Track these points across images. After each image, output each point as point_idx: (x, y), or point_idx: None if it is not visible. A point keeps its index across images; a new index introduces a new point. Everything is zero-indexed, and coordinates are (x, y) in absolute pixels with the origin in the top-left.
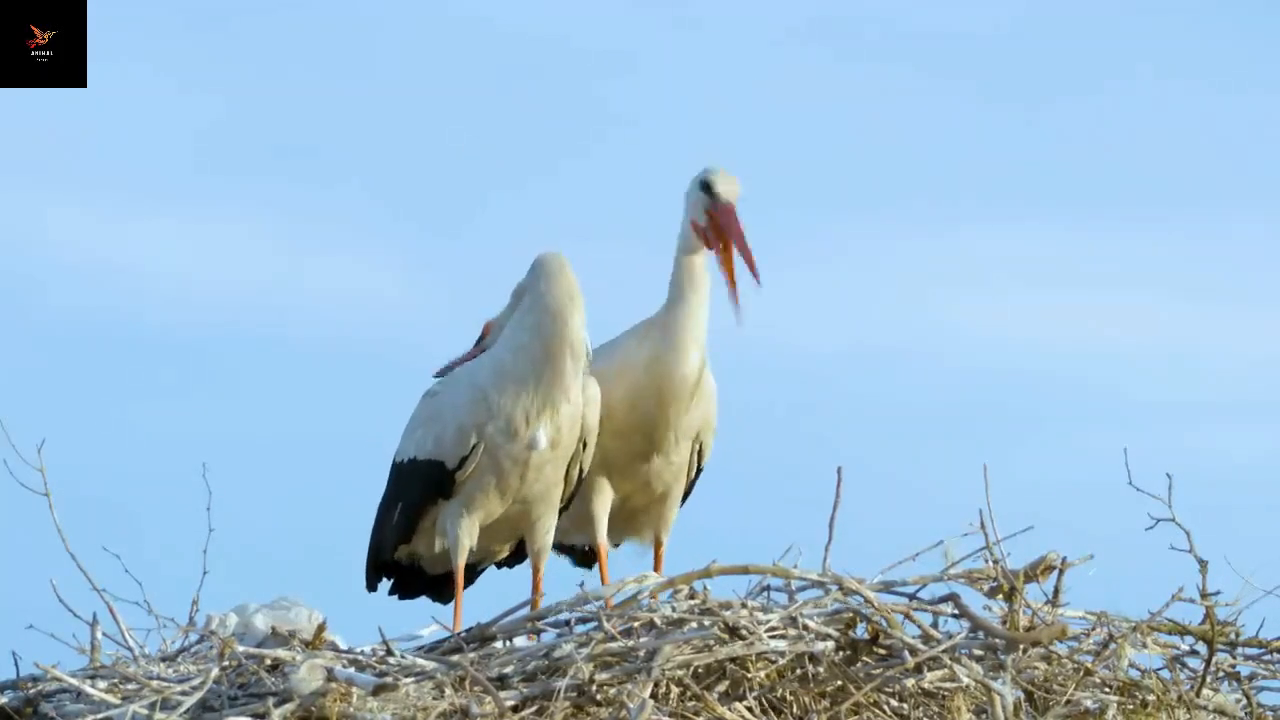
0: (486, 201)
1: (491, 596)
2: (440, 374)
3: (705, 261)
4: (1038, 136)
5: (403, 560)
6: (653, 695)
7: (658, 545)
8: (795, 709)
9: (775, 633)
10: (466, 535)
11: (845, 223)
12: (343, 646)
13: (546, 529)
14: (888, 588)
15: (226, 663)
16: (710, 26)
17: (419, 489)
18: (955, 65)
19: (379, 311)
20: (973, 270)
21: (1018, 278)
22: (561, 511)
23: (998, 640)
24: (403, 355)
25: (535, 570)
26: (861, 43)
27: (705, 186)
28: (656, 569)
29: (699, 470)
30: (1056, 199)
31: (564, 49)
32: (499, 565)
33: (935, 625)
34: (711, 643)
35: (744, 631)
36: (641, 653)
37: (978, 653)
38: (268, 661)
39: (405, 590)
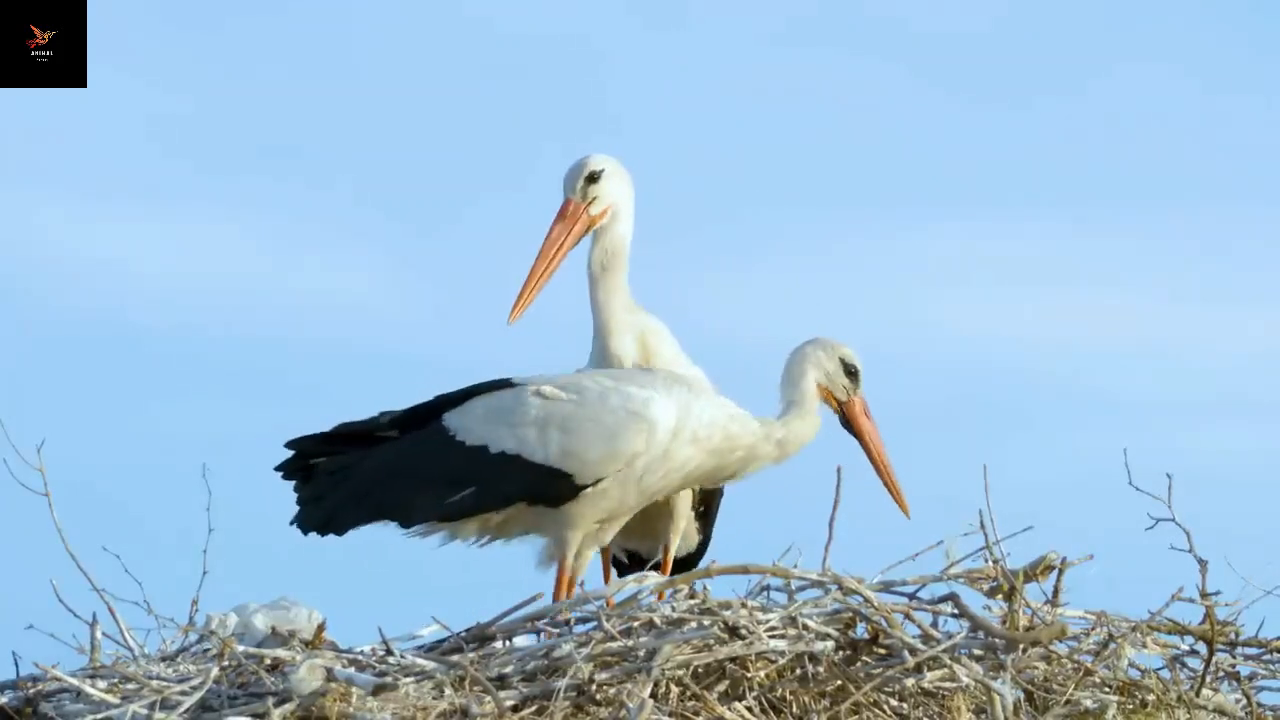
0: (477, 201)
1: (491, 596)
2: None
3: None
4: (1031, 134)
5: (421, 533)
6: (652, 695)
7: (665, 550)
8: (795, 709)
9: (775, 632)
10: (576, 542)
11: (834, 220)
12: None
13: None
14: (887, 587)
15: (226, 663)
16: (696, 26)
17: (519, 490)
18: (943, 64)
19: (367, 311)
20: (963, 268)
21: (1008, 275)
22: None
23: (997, 640)
24: (389, 355)
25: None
26: (848, 42)
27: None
28: (664, 571)
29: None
30: (1048, 197)
31: (551, 48)
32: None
33: (935, 625)
34: (711, 642)
35: (744, 631)
36: (641, 652)
37: (977, 652)
38: (267, 661)
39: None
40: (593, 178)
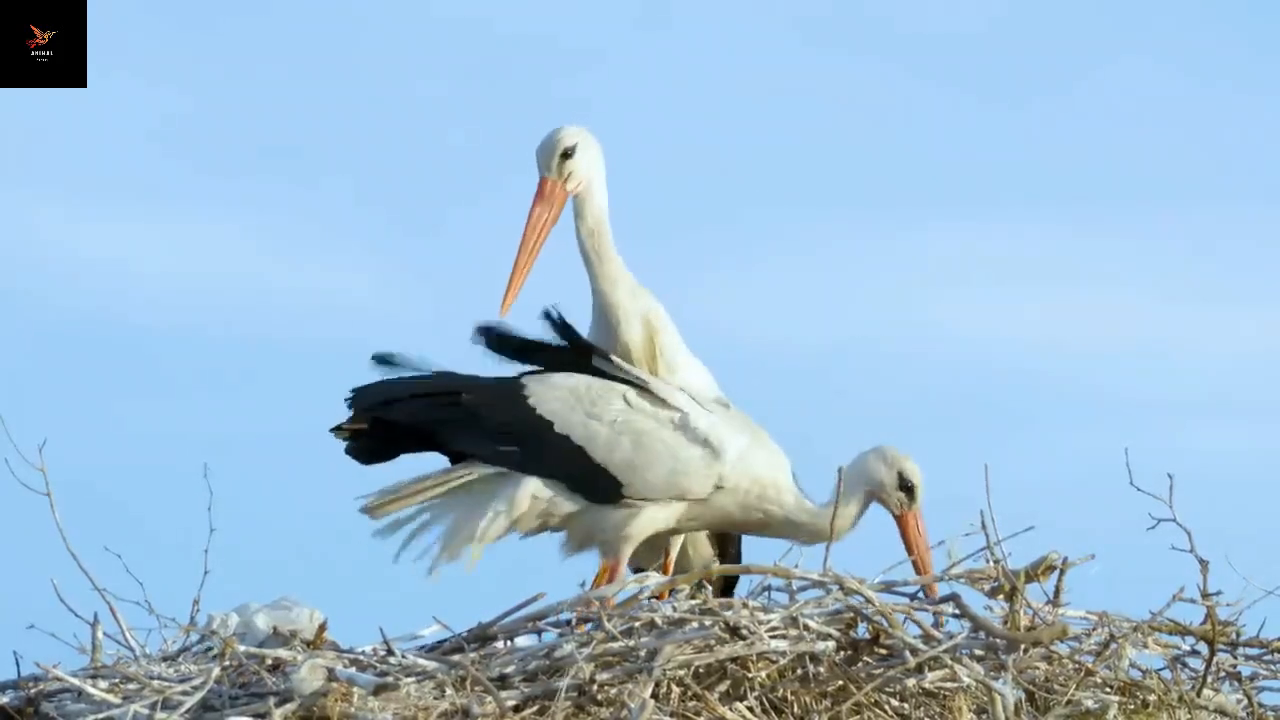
0: (475, 201)
1: (492, 596)
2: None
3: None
4: (1028, 134)
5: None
6: (653, 695)
7: (666, 553)
8: (796, 709)
9: (776, 633)
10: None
11: (833, 220)
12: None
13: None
14: (889, 588)
15: (228, 663)
16: (691, 26)
17: (566, 474)
18: (940, 64)
19: (366, 312)
20: (963, 268)
21: (1007, 275)
22: None
23: (999, 640)
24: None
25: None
26: (846, 42)
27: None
28: (665, 571)
29: None
30: (1045, 197)
31: (543, 47)
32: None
33: (936, 625)
34: (712, 643)
35: (745, 631)
36: (642, 653)
37: (979, 653)
38: (269, 661)
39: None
40: (567, 153)
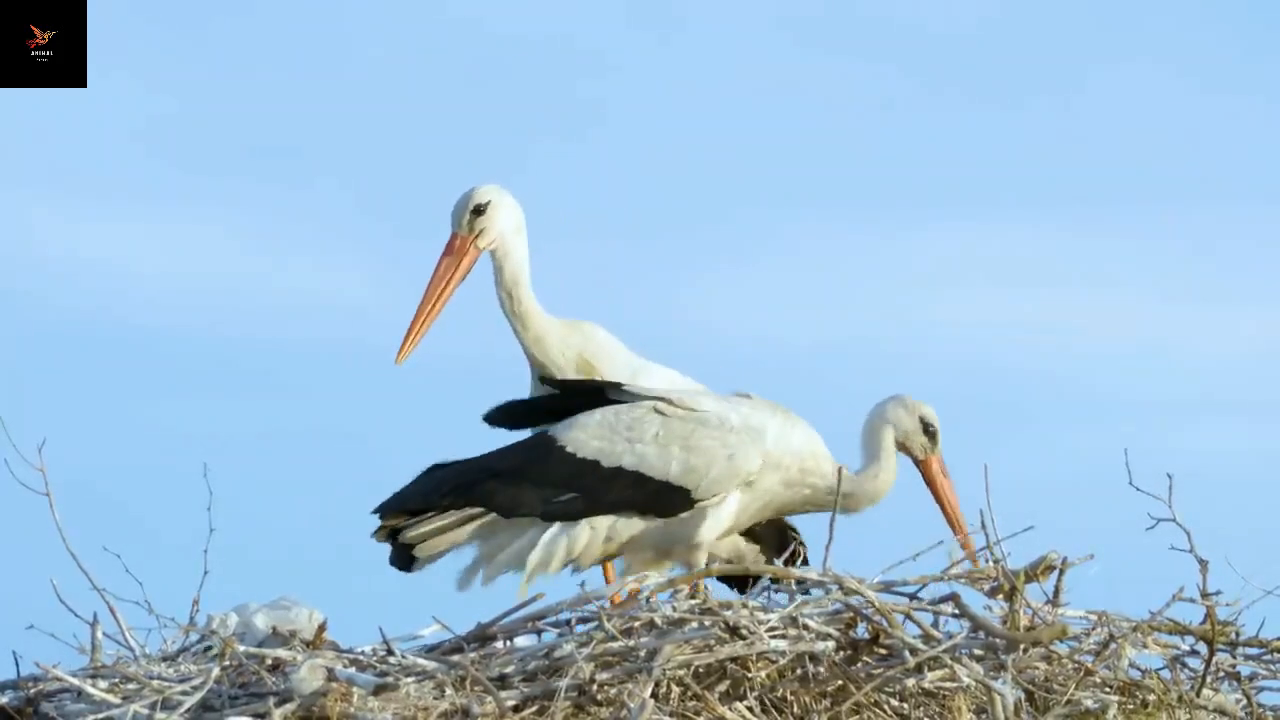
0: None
1: (492, 596)
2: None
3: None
4: (1025, 135)
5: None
6: (653, 695)
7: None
8: (796, 709)
9: (776, 633)
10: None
11: (831, 221)
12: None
13: None
14: (888, 587)
15: (227, 663)
16: (688, 27)
17: (632, 502)
18: (937, 64)
19: (356, 312)
20: (962, 268)
21: (1005, 276)
22: None
23: (998, 640)
24: (379, 355)
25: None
26: (842, 42)
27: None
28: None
29: None
30: (1043, 197)
31: (541, 48)
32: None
33: (936, 625)
34: (712, 642)
35: (744, 631)
36: (642, 653)
37: (978, 652)
38: (268, 661)
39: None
40: (478, 210)
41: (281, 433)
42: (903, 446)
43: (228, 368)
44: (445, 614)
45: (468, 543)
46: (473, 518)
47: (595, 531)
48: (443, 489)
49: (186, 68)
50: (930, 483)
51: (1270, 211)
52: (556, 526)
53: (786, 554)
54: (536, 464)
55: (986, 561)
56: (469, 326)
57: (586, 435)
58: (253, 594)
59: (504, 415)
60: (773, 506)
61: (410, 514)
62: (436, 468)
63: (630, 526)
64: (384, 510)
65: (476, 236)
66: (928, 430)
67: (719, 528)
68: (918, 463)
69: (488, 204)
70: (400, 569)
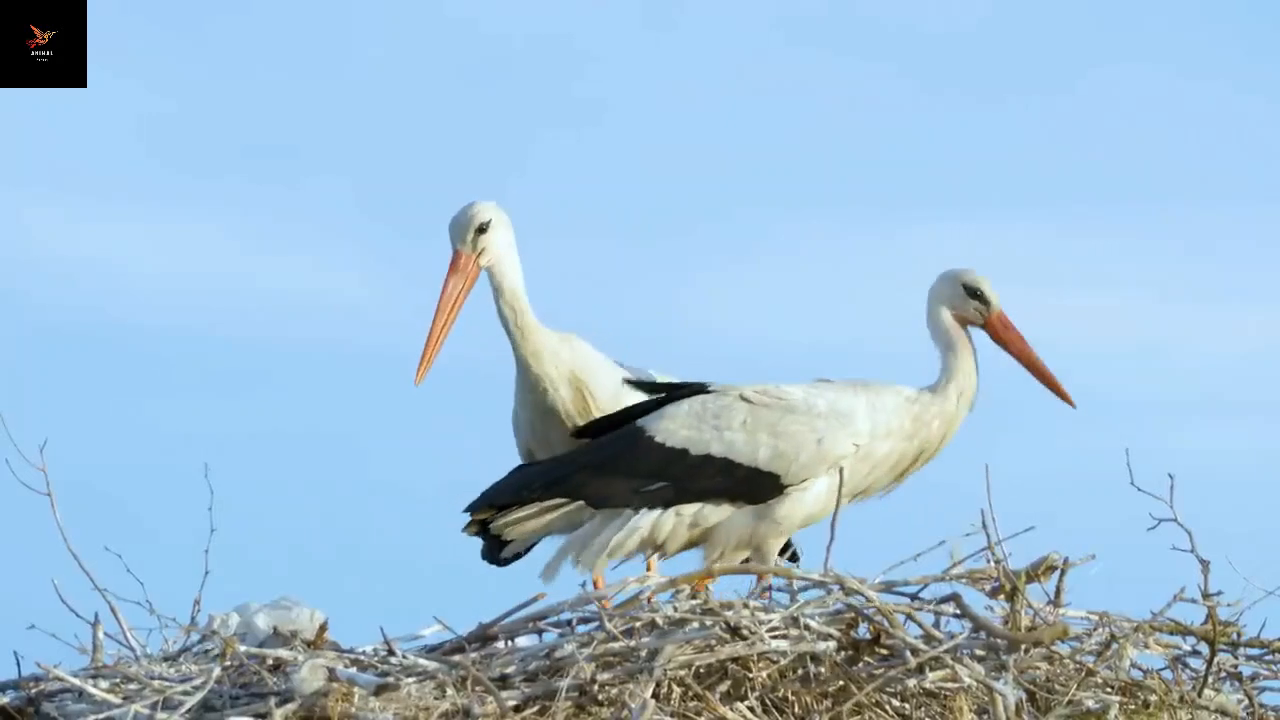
0: (462, 200)
1: (493, 596)
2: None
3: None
4: (1023, 134)
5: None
6: (654, 695)
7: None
8: (797, 709)
9: (777, 633)
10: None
11: (827, 220)
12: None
13: None
14: (889, 588)
15: (228, 663)
16: (685, 26)
17: (722, 489)
18: (932, 63)
19: (354, 311)
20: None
21: (1002, 276)
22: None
23: (999, 640)
24: (376, 355)
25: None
26: (838, 42)
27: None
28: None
29: None
30: (1040, 197)
31: (538, 47)
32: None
33: (937, 625)
34: (713, 643)
35: (745, 631)
36: (643, 653)
37: (979, 653)
38: (269, 661)
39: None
40: (482, 228)
41: (281, 433)
42: (963, 320)
43: (227, 368)
44: (446, 614)
45: (557, 531)
46: (560, 507)
47: (681, 518)
48: (533, 484)
49: (185, 67)
50: (999, 341)
51: (1270, 211)
52: (644, 513)
53: (786, 554)
54: (626, 454)
55: (987, 562)
56: (468, 326)
57: (675, 425)
58: (253, 594)
59: (594, 430)
60: (912, 458)
61: (498, 509)
62: (523, 467)
63: (718, 513)
64: (474, 507)
65: (479, 254)
66: (975, 294)
67: (805, 512)
68: (983, 327)
69: (489, 222)
70: (491, 562)
